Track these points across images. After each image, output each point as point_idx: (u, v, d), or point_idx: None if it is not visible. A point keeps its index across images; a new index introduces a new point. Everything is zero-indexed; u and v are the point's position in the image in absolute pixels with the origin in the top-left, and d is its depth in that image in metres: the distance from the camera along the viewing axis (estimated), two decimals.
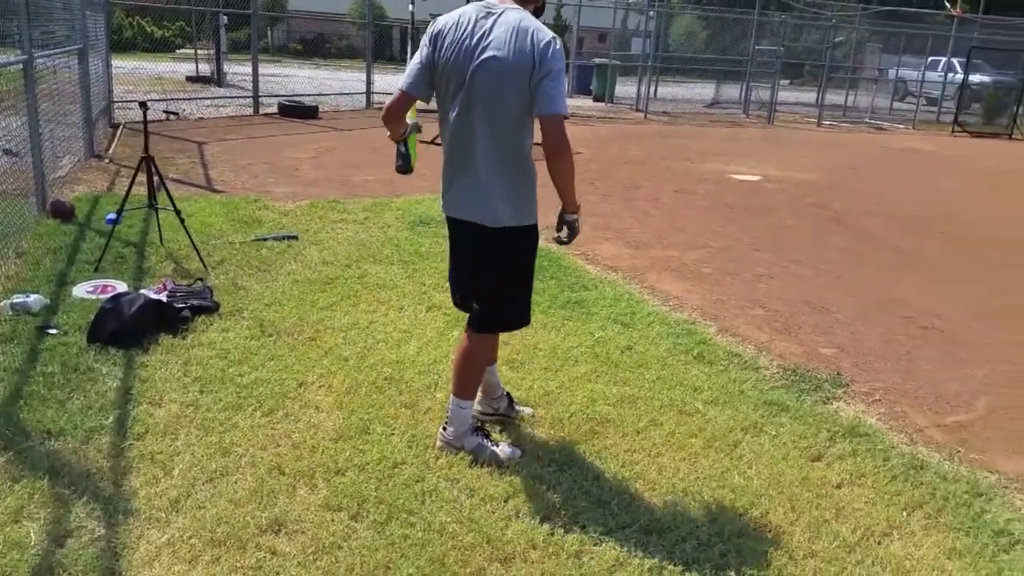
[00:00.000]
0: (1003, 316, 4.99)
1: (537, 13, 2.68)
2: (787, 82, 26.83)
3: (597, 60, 23.46)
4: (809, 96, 24.03)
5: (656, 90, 20.66)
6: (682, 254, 5.95)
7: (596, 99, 21.32)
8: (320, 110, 13.39)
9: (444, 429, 2.86)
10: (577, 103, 20.33)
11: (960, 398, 3.64)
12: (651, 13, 21.02)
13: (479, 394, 3.02)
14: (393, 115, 2.77)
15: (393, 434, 2.95)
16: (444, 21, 2.62)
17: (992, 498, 2.80)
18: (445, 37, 2.58)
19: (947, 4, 24.02)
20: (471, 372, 2.83)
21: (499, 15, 2.52)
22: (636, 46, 26.01)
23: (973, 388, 3.77)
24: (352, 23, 36.77)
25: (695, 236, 6.57)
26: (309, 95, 15.09)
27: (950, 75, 22.01)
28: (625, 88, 22.42)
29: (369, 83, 15.12)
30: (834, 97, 21.74)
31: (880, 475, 2.87)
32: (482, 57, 2.50)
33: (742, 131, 16.25)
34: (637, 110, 18.88)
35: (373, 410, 3.11)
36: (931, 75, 23.03)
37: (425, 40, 2.63)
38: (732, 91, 22.53)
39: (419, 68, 2.65)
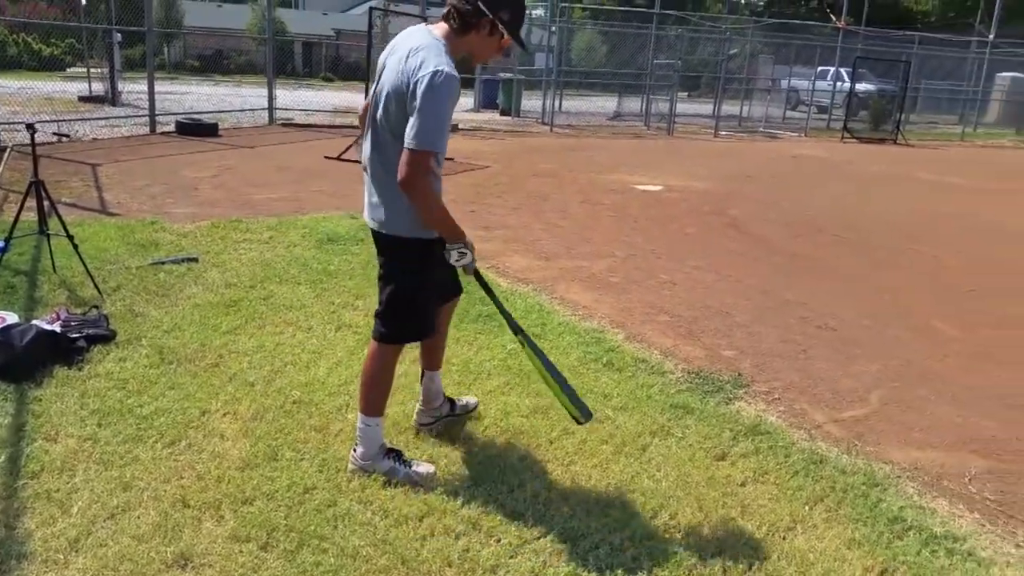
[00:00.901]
0: (892, 313, 5.27)
1: (505, 26, 2.57)
2: (686, 94, 27.73)
3: (502, 74, 23.71)
4: (706, 107, 24.88)
5: (561, 103, 21.02)
6: (590, 264, 6.06)
7: (503, 113, 21.52)
8: (220, 127, 13.03)
9: (354, 451, 2.83)
10: (485, 117, 20.50)
11: (855, 393, 3.83)
12: (553, 28, 21.36)
13: (418, 404, 3.11)
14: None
15: (303, 459, 2.89)
16: (393, 40, 2.70)
17: (887, 488, 2.95)
18: (383, 56, 2.66)
19: (832, 17, 25.30)
20: (372, 386, 2.78)
21: (408, 40, 2.54)
22: (540, 61, 26.40)
23: (867, 383, 3.97)
24: (252, 39, 36.03)
25: (602, 246, 6.71)
26: (209, 112, 14.69)
27: (838, 84, 23.20)
28: (531, 102, 22.71)
29: (271, 99, 14.83)
30: (730, 108, 22.59)
31: (782, 471, 2.99)
32: (387, 74, 2.57)
33: (644, 143, 16.70)
34: (543, 123, 19.14)
35: (281, 435, 3.05)
36: (821, 84, 24.18)
37: (378, 69, 2.69)
38: (634, 104, 23.13)
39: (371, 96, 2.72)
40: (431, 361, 3.11)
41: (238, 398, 3.34)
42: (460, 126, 17.22)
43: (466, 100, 24.76)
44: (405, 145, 2.43)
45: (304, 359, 3.77)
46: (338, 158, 10.65)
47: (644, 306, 5.05)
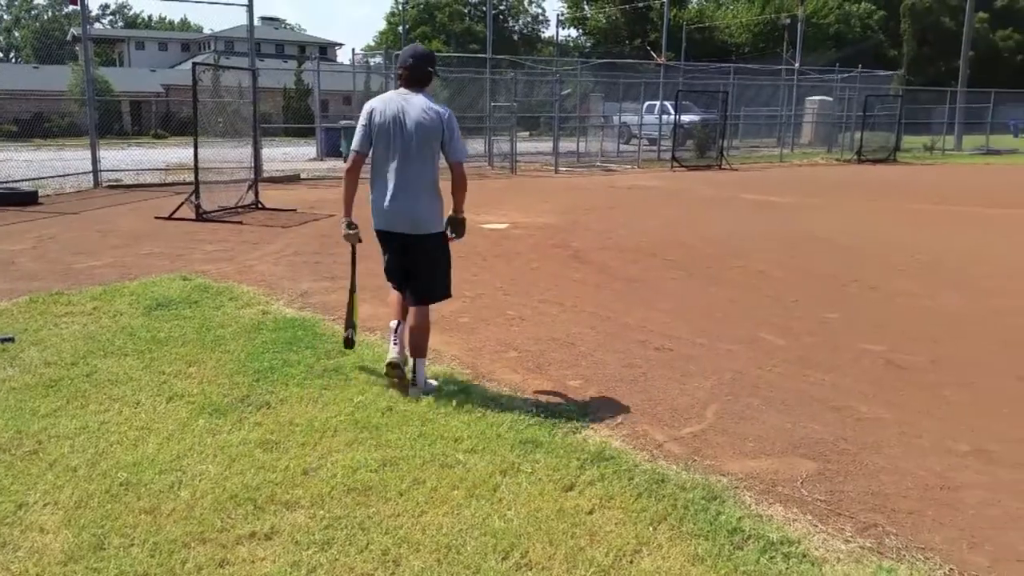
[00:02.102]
0: (723, 329, 5.58)
1: (421, 84, 4.17)
2: (527, 133, 28.57)
3: (344, 122, 23.55)
4: (546, 145, 25.74)
5: None
6: (439, 307, 6.03)
7: (346, 160, 21.29)
8: (41, 194, 12.16)
9: (414, 385, 4.10)
10: (328, 165, 20.22)
11: (692, 410, 4.01)
12: (390, 75, 21.46)
13: (399, 351, 4.18)
14: (353, 173, 4.23)
15: (132, 545, 2.68)
16: (374, 104, 4.14)
17: (725, 500, 3.09)
18: (375, 111, 4.08)
19: (653, 54, 26.88)
20: (428, 336, 4.28)
21: (412, 100, 4.08)
22: None
23: (702, 399, 4.17)
24: (73, 100, 34.00)
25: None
26: (27, 179, 13.65)
27: (664, 117, 24.65)
28: None
29: (95, 161, 14.01)
30: (568, 144, 23.43)
31: (627, 495, 3.07)
32: (411, 125, 4.04)
33: (489, 182, 17.00)
34: None
35: (108, 522, 2.82)
36: (649, 118, 25.58)
37: (363, 119, 4.12)
38: (477, 145, 23.58)
39: (364, 135, 4.14)
40: (416, 344, 4.25)
41: (59, 486, 3.07)
42: (303, 176, 16.92)
43: (308, 149, 24.42)
44: (454, 159, 4.12)
45: (131, 437, 3.52)
46: (170, 217, 10.17)
47: (493, 344, 5.10)
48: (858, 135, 26.09)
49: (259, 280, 6.83)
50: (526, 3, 65.11)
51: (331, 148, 23.09)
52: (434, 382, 4.24)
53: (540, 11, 66.40)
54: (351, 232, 4.37)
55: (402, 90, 4.13)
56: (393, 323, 4.26)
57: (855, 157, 25.24)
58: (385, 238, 4.33)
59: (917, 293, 6.78)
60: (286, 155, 22.35)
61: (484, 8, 61.53)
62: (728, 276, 7.49)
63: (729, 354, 4.98)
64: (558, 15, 58.15)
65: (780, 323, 5.74)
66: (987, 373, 4.69)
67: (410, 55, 4.20)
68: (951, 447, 3.62)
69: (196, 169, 10.27)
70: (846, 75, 29.81)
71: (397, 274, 4.38)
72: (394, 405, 3.93)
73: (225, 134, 12.20)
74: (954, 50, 62.66)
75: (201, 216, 10.12)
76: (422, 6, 57.84)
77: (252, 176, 11.87)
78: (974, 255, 8.70)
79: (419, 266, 4.27)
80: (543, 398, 4.13)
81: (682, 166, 21.41)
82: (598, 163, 22.64)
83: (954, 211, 12.69)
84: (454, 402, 3.96)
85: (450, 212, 4.24)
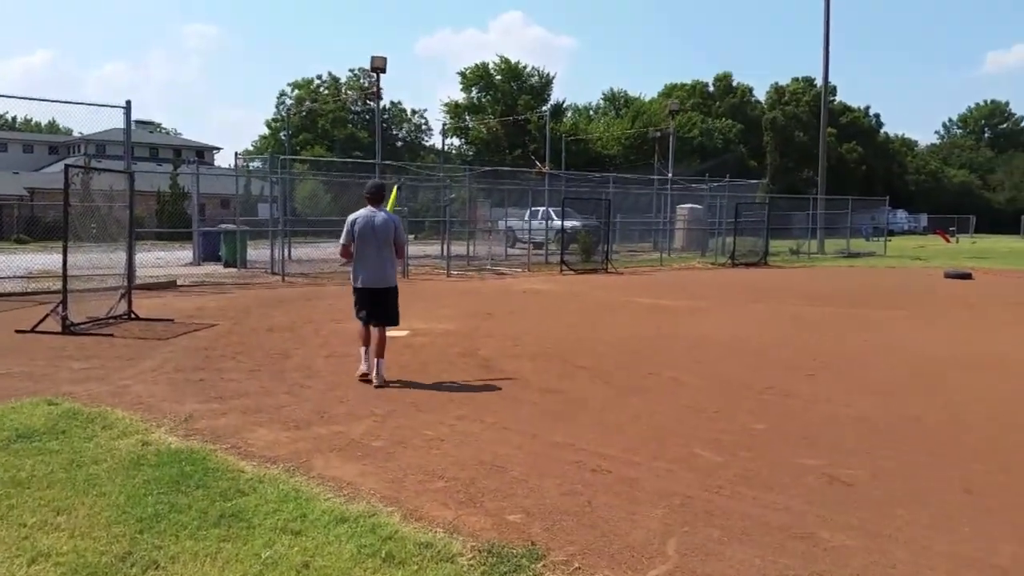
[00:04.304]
0: (653, 444, 5.28)
1: (380, 202, 7.29)
2: (413, 236, 28.43)
3: (224, 226, 22.68)
4: (433, 248, 25.63)
5: (290, 252, 20.40)
6: (348, 428, 5.49)
7: (227, 265, 20.38)
8: None
9: (379, 375, 6.88)
10: (206, 270, 19.27)
11: (651, 546, 3.61)
12: (274, 179, 20.95)
13: (377, 372, 6.94)
14: (347, 255, 7.25)
15: None
16: (355, 216, 7.17)
17: None
18: (357, 221, 7.11)
19: (537, 163, 27.65)
20: (386, 345, 7.15)
21: (377, 214, 7.16)
22: (263, 211, 25.75)
23: (657, 531, 3.79)
24: None
25: (358, 405, 6.17)
26: None
27: (546, 222, 25.15)
28: (256, 252, 21.85)
29: None
30: (457, 248, 23.38)
31: None
32: (379, 227, 7.10)
33: None
34: (273, 273, 18.35)
35: None
36: (534, 223, 26.03)
37: (348, 225, 7.13)
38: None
39: (348, 234, 7.12)
40: (380, 351, 7.10)
41: None
42: (180, 282, 15.92)
43: (183, 253, 23.24)
44: (399, 243, 7.31)
45: None
46: (33, 330, 9.12)
47: (415, 472, 4.57)
48: (728, 239, 27.43)
49: (136, 403, 6.04)
50: (409, 112, 66.42)
51: (209, 253, 22.04)
52: (386, 376, 7.02)
53: (423, 120, 67.65)
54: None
55: (369, 207, 7.26)
56: (362, 349, 7.22)
57: (729, 261, 26.38)
58: (364, 292, 7.24)
59: (832, 400, 6.75)
60: (159, 260, 21.14)
61: (367, 116, 62.39)
62: (643, 384, 7.28)
63: (670, 475, 4.66)
64: (442, 124, 59.56)
65: (710, 437, 5.50)
66: (931, 488, 4.56)
67: (374, 188, 7.38)
68: None
69: (64, 277, 9.33)
70: (716, 184, 31.55)
71: (367, 313, 7.23)
72: (311, 560, 3.34)
73: (96, 239, 11.28)
74: (807, 161, 68.44)
75: (68, 329, 9.12)
76: (304, 112, 57.89)
77: (125, 284, 10.93)
78: (866, 357, 8.90)
79: (384, 306, 7.25)
80: (483, 539, 3.63)
81: (571, 270, 21.68)
82: (488, 266, 22.62)
83: (836, 312, 13.20)
84: (382, 554, 3.41)
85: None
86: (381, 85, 23.87)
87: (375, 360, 6.95)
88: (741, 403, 6.56)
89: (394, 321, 7.33)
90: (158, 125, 64.38)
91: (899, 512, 4.15)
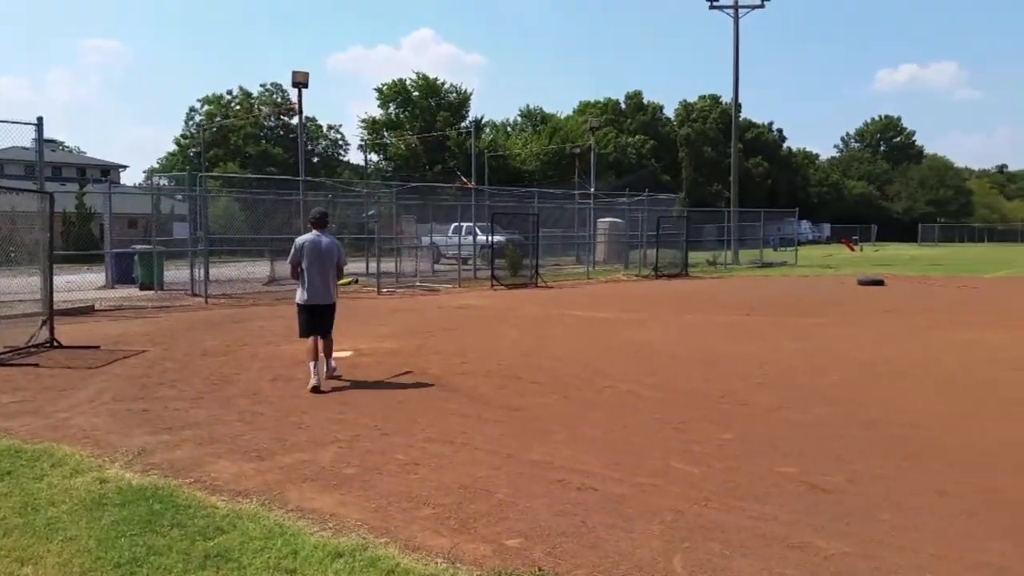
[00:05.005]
0: (630, 458, 5.27)
1: (324, 227, 8.11)
2: None
3: (138, 247, 21.75)
4: (357, 266, 25.19)
5: (207, 272, 19.66)
6: (314, 455, 5.27)
7: (143, 287, 19.48)
8: None
9: (329, 370, 8.03)
10: (122, 293, 18.41)
11: (657, 565, 3.58)
12: (179, 197, 20.20)
13: (318, 377, 7.56)
14: (296, 275, 8.05)
15: None
16: (303, 239, 7.95)
17: None
18: (305, 244, 7.87)
19: (463, 179, 27.59)
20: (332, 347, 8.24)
21: (323, 236, 7.99)
22: (179, 230, 24.83)
23: (659, 548, 3.76)
24: None
25: (319, 431, 5.94)
26: None
27: (469, 237, 25.10)
28: (172, 273, 20.99)
29: None
30: (385, 265, 23.04)
31: None
32: (324, 250, 7.91)
33: None
34: (194, 295, 17.66)
35: None
36: (464, 239, 25.93)
37: (296, 246, 7.91)
38: (287, 267, 22.52)
39: (296, 254, 7.90)
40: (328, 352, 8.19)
41: None
42: (97, 306, 15.13)
43: (93, 276, 22.11)
44: (340, 265, 8.24)
45: None
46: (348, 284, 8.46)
47: (398, 499, 4.41)
48: (649, 252, 28.01)
49: (81, 437, 5.65)
50: (325, 128, 65.39)
51: (122, 275, 21.03)
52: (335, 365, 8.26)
53: (339, 136, 66.68)
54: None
55: (314, 232, 8.03)
56: (312, 363, 7.62)
57: (652, 273, 26.90)
58: (309, 308, 7.92)
59: (786, 407, 6.90)
60: (70, 283, 19.99)
61: (280, 131, 61.12)
62: (602, 398, 7.28)
63: (655, 490, 4.64)
64: (361, 140, 58.82)
65: (682, 448, 5.53)
66: (906, 491, 4.68)
67: (318, 214, 8.22)
68: None
69: None
70: (635, 198, 32.17)
71: (313, 328, 7.88)
72: None
73: (12, 262, 10.62)
74: (716, 175, 70.71)
75: None
76: (215, 128, 56.25)
77: (46, 310, 10.30)
78: (805, 364, 9.16)
79: (326, 318, 8.06)
80: (488, 568, 3.52)
81: (501, 284, 21.67)
82: (418, 283, 22.38)
83: (765, 321, 13.59)
84: None
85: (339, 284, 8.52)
86: (299, 101, 23.39)
87: (324, 361, 7.92)
88: (702, 413, 6.63)
89: (331, 327, 8.17)
90: (60, 143, 61.29)
91: (883, 517, 4.25)
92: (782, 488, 4.69)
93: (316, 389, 7.34)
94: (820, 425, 6.29)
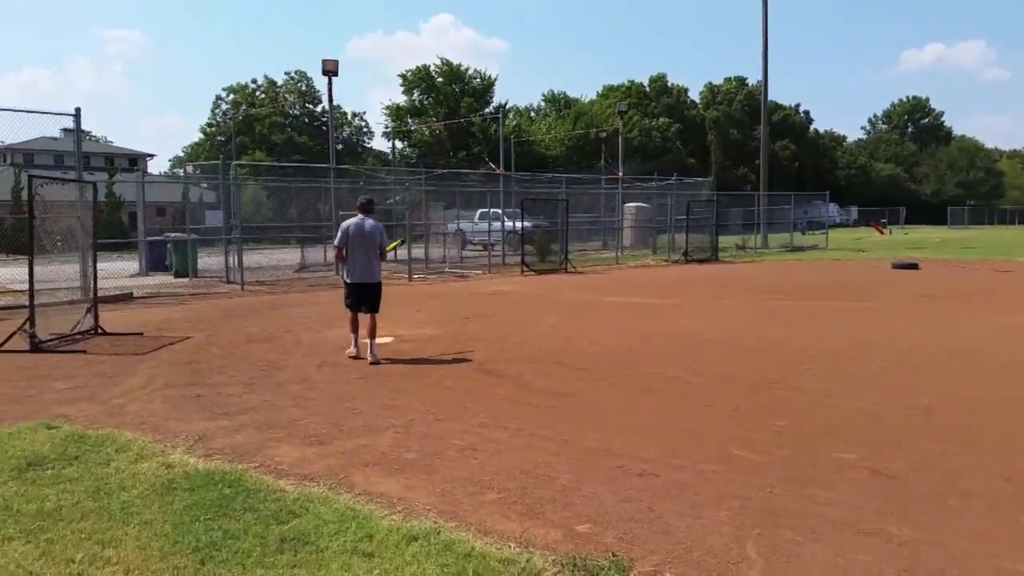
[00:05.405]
0: (687, 445, 5.25)
1: (370, 212, 8.73)
2: None
3: (171, 235, 21.98)
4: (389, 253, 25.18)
5: (242, 260, 19.84)
6: (373, 440, 5.31)
7: (177, 275, 19.70)
8: None
9: (373, 354, 8.21)
10: (156, 281, 18.61)
11: (730, 551, 3.57)
12: (204, 185, 20.35)
13: (369, 354, 8.26)
14: (340, 257, 8.85)
15: None
16: (349, 223, 8.61)
17: None
18: (351, 227, 8.53)
19: (492, 165, 27.56)
20: (375, 329, 8.53)
21: (366, 221, 8.59)
22: (211, 218, 25.06)
23: (730, 535, 3.75)
24: None
25: (373, 416, 5.99)
26: None
27: (496, 224, 25.08)
28: (203, 260, 21.17)
29: None
30: (415, 251, 23.10)
31: None
32: (367, 232, 8.56)
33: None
34: (229, 282, 17.82)
35: None
36: (484, 225, 25.91)
37: (342, 230, 8.61)
38: (317, 254, 22.69)
39: (342, 237, 8.57)
40: (372, 334, 8.45)
41: None
42: (135, 294, 15.32)
43: (126, 264, 22.36)
44: (384, 245, 8.79)
45: None
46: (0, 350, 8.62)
47: (463, 484, 4.44)
48: (678, 236, 27.86)
49: (139, 423, 5.73)
50: (350, 115, 65.52)
51: (155, 263, 21.26)
52: (378, 355, 8.33)
53: (364, 123, 66.79)
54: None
55: (360, 216, 8.66)
56: (352, 335, 8.59)
57: (682, 258, 26.74)
58: (356, 287, 8.65)
59: (839, 394, 6.83)
60: (104, 271, 20.20)
61: (305, 119, 61.34)
62: (651, 385, 7.26)
63: (718, 476, 4.62)
64: (386, 127, 58.87)
65: (741, 435, 5.50)
66: (969, 477, 4.62)
67: (365, 200, 8.90)
68: (1011, 568, 3.42)
69: (31, 292, 8.84)
70: (664, 182, 31.95)
71: (357, 304, 8.64)
72: None
73: (54, 251, 10.77)
74: (742, 158, 70.07)
75: (37, 347, 8.65)
76: (241, 118, 56.56)
77: (90, 297, 10.44)
78: (852, 350, 9.05)
79: (372, 296, 8.67)
80: (561, 552, 3.53)
81: (531, 270, 21.65)
82: (447, 269, 22.42)
83: (804, 306, 13.47)
84: (468, 574, 3.27)
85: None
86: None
87: (367, 341, 8.32)
88: (754, 400, 6.59)
89: (377, 309, 8.67)
90: (87, 133, 62.04)
91: (950, 503, 4.21)
92: (845, 474, 4.66)
93: (355, 356, 8.33)
94: (874, 411, 6.23)
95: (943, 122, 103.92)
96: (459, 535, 3.68)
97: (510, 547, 3.57)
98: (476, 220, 27.96)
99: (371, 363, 8.08)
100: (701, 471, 4.71)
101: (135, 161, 57.53)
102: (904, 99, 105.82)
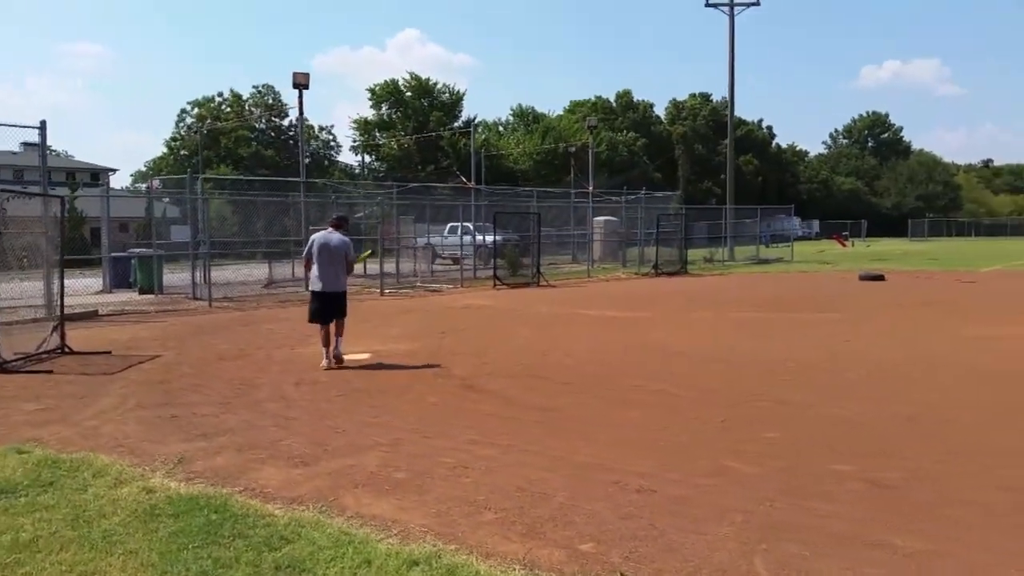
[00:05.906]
0: (683, 460, 5.18)
1: (340, 229, 9.18)
2: None
3: (135, 250, 21.52)
4: (357, 267, 24.93)
5: (210, 276, 19.46)
6: (359, 460, 5.16)
7: (142, 292, 19.25)
8: None
9: (338, 351, 8.81)
10: (121, 298, 18.15)
11: (739, 568, 3.49)
12: (166, 200, 20.00)
13: (328, 360, 8.73)
14: (308, 267, 9.18)
15: None
16: (317, 235, 9.10)
17: None
18: (317, 240, 8.95)
19: (463, 179, 27.49)
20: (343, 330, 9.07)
21: (334, 235, 9.04)
22: (176, 234, 24.62)
23: (736, 550, 3.68)
24: None
25: (357, 435, 5.83)
26: None
27: (467, 237, 24.97)
28: (168, 277, 20.73)
29: None
30: (386, 266, 22.88)
31: None
32: (333, 246, 8.95)
33: None
34: (196, 299, 17.46)
35: None
36: (454, 239, 25.78)
37: (310, 243, 9.06)
38: (285, 270, 22.38)
39: (309, 250, 9.05)
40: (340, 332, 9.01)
41: None
42: (100, 311, 14.93)
43: (88, 281, 21.82)
44: (350, 261, 9.17)
45: None
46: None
47: (457, 504, 4.31)
48: (647, 249, 28.01)
49: (115, 446, 5.52)
50: (317, 129, 65.00)
51: (119, 279, 20.76)
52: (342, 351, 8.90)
53: (331, 136, 66.29)
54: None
55: (329, 229, 9.13)
56: (324, 349, 8.76)
57: (652, 271, 26.85)
58: (321, 295, 8.87)
59: (821, 404, 6.85)
60: (67, 288, 19.69)
61: (271, 133, 60.75)
62: (636, 398, 7.20)
63: (715, 490, 4.56)
64: (353, 141, 58.50)
65: (732, 448, 5.45)
66: (966, 487, 4.62)
67: (337, 217, 9.48)
68: None
69: None
70: (632, 197, 32.13)
71: (323, 314, 8.85)
72: None
73: (17, 267, 10.45)
74: (707, 173, 70.94)
75: (1, 367, 8.33)
76: (206, 132, 55.79)
77: (56, 315, 10.12)
78: (827, 361, 9.09)
79: (337, 305, 8.98)
80: (568, 571, 3.43)
81: (503, 284, 21.56)
82: (419, 284, 22.24)
83: (776, 318, 13.56)
84: None
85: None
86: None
87: (335, 341, 8.80)
88: (740, 412, 6.56)
89: (345, 314, 9.11)
90: (49, 147, 60.75)
91: (950, 513, 4.19)
92: (843, 486, 4.62)
93: (328, 368, 8.58)
94: (859, 421, 6.24)
95: (902, 137, 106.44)
96: (461, 558, 3.55)
97: (515, 570, 3.46)
98: (446, 234, 27.82)
99: (334, 360, 8.68)
100: (698, 485, 4.65)
101: (97, 176, 56.45)
102: (864, 114, 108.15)
